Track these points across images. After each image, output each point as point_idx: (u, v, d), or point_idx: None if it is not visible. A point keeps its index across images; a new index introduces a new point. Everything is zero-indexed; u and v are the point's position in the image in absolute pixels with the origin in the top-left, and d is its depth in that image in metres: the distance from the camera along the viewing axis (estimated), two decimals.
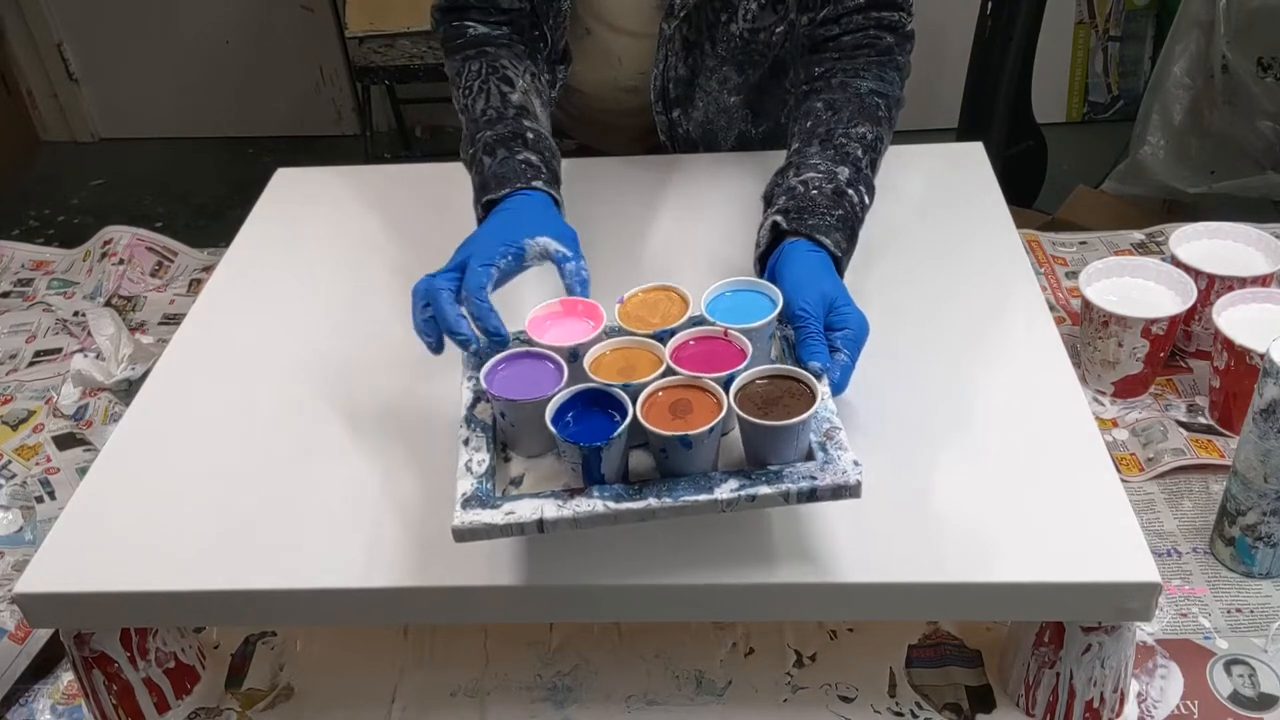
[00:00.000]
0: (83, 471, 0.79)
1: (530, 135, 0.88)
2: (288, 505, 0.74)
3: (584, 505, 0.64)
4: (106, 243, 1.28)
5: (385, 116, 3.11)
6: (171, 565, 0.71)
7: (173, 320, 1.19)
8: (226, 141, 3.17)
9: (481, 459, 0.68)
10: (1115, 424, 0.96)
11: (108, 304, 1.21)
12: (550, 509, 0.64)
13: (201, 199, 2.88)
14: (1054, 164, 2.44)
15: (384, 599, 0.70)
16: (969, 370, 0.81)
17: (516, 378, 0.71)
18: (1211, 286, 0.97)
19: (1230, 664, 0.78)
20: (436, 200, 1.05)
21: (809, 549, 0.69)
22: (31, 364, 1.14)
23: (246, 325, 0.92)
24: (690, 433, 0.64)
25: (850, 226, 0.83)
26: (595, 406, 0.68)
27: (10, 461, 1.01)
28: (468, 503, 0.64)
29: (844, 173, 0.85)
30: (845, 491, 0.64)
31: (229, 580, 0.70)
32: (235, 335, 0.91)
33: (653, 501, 0.64)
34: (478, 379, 0.71)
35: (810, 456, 0.67)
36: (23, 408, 1.08)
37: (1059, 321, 1.03)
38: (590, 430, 0.66)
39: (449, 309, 0.74)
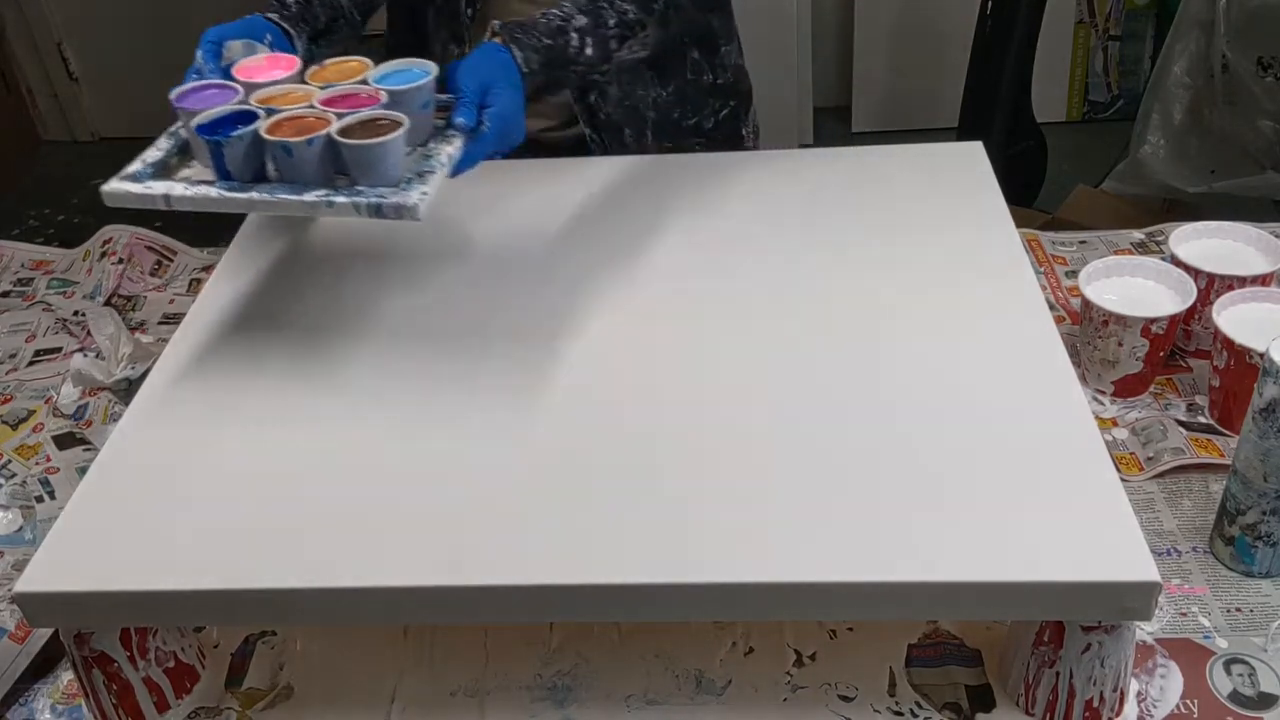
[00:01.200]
0: (83, 471, 0.79)
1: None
2: (288, 505, 0.74)
3: (202, 191, 0.80)
4: (106, 242, 1.28)
5: None
6: (171, 565, 0.71)
7: (173, 320, 1.19)
8: None
9: (155, 154, 0.84)
10: (1115, 423, 0.96)
11: (107, 303, 1.20)
12: (178, 189, 0.80)
13: None
14: (1054, 163, 2.44)
15: (384, 599, 0.70)
16: (969, 369, 0.81)
17: (204, 100, 0.87)
18: (1211, 286, 0.97)
19: (1230, 663, 0.78)
20: (436, 200, 1.05)
21: (809, 549, 0.69)
22: (31, 364, 1.14)
23: (246, 325, 0.92)
24: (291, 140, 0.78)
25: (554, 61, 0.91)
26: (246, 123, 0.82)
27: (10, 461, 1.01)
28: (124, 177, 0.81)
29: (580, 20, 0.94)
30: (405, 212, 0.76)
31: (229, 580, 0.70)
32: (235, 335, 0.91)
33: (254, 195, 0.79)
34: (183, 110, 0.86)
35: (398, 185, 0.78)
36: (22, 407, 1.08)
37: (1059, 321, 1.03)
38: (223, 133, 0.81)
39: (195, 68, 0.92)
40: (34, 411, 1.07)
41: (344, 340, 0.89)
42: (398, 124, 0.80)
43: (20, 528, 0.95)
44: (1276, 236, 1.02)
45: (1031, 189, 2.42)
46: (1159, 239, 1.18)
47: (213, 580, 0.70)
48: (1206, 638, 0.79)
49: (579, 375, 0.83)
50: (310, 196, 0.78)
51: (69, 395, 1.07)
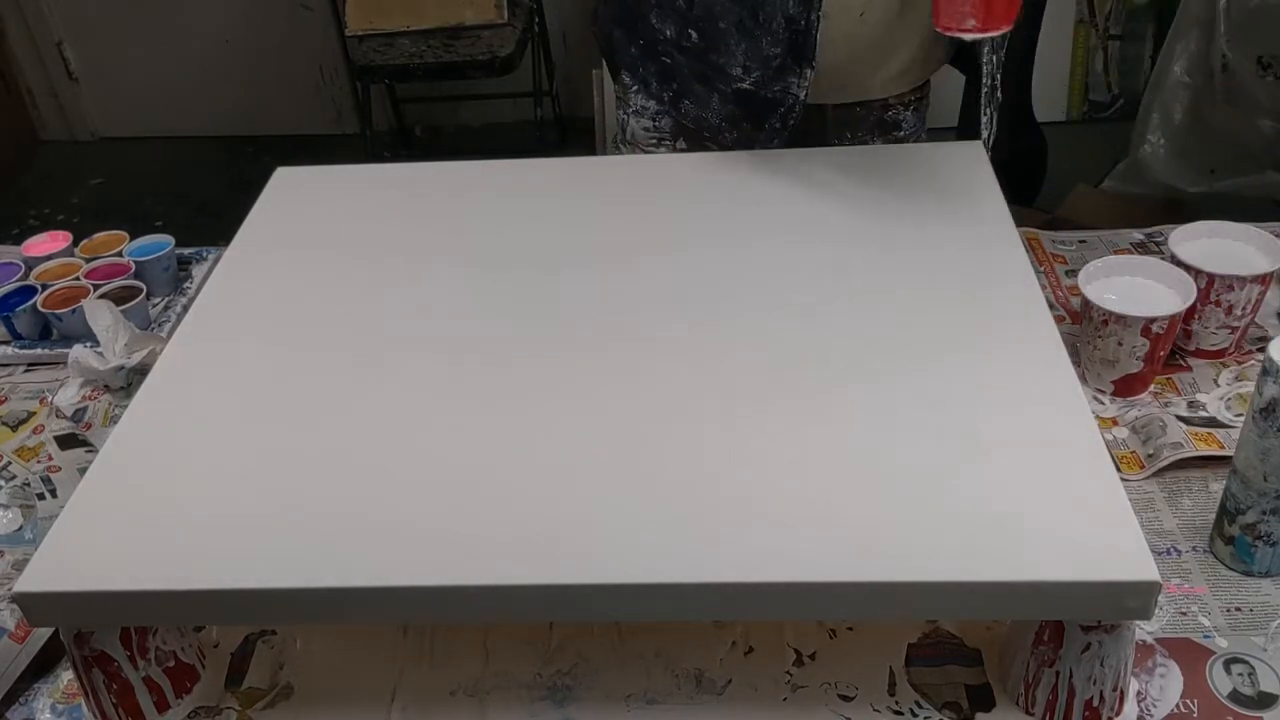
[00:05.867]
0: (83, 471, 0.79)
1: None
2: (288, 504, 0.74)
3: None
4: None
5: (385, 116, 3.11)
6: (171, 565, 0.71)
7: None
8: (226, 141, 3.17)
9: None
10: (1115, 422, 0.96)
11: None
12: None
13: (201, 198, 2.88)
14: (1054, 163, 2.44)
15: (384, 599, 0.70)
16: (968, 369, 0.81)
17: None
18: (1211, 285, 0.97)
19: (1230, 663, 0.78)
20: (436, 200, 1.05)
21: (809, 548, 0.69)
22: (28, 369, 1.14)
23: (246, 325, 0.92)
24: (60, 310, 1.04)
25: None
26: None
27: (10, 463, 1.01)
28: None
29: None
30: None
31: (229, 580, 0.70)
32: (234, 335, 0.91)
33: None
34: None
35: None
36: (22, 408, 1.08)
37: (1059, 320, 1.03)
38: None
39: None
40: (34, 413, 1.07)
41: (344, 340, 0.89)
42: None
43: (20, 527, 0.95)
44: (1277, 236, 1.02)
45: (1031, 189, 2.42)
46: (1159, 239, 1.18)
47: (213, 580, 0.70)
48: (1206, 637, 0.79)
49: (578, 376, 0.83)
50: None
51: (68, 396, 1.07)
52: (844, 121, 1.24)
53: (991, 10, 0.86)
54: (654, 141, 1.26)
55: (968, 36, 0.87)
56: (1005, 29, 0.88)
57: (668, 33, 1.19)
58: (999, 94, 1.13)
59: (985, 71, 1.11)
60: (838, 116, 1.23)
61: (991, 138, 1.14)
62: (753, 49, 1.12)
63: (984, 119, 1.14)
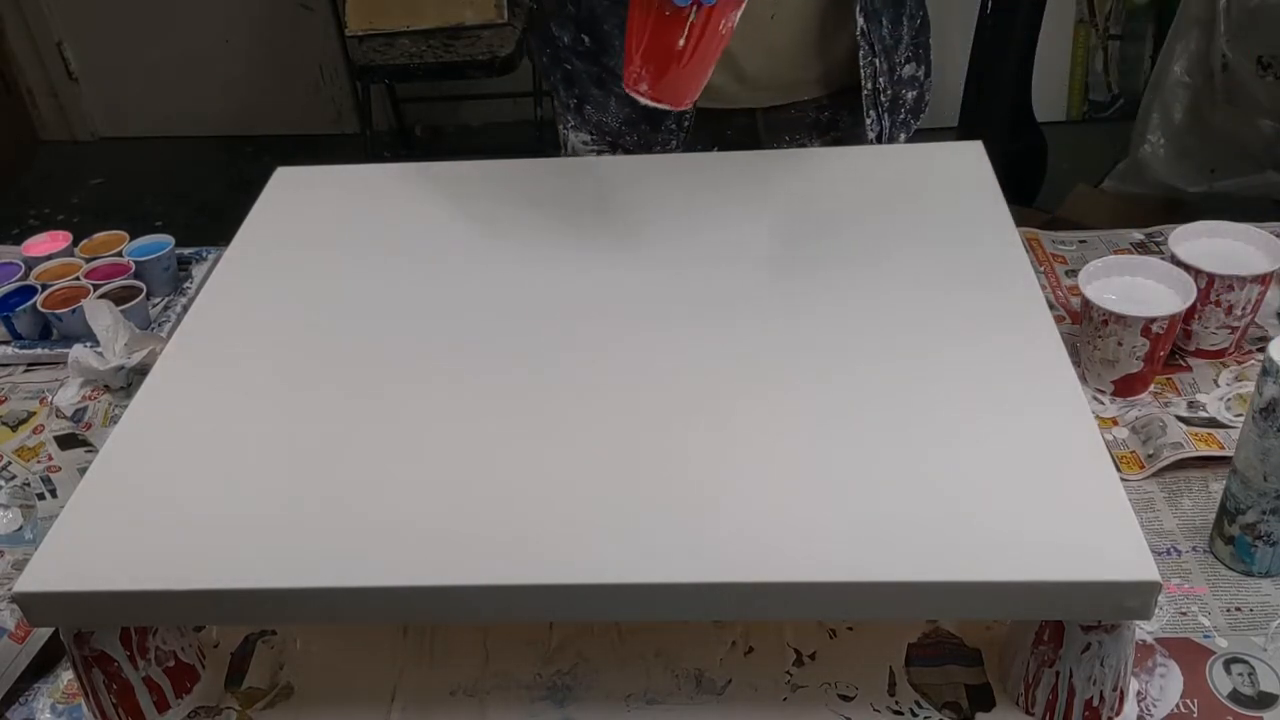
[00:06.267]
0: (84, 471, 0.79)
1: None
2: (288, 504, 0.74)
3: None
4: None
5: (385, 116, 3.11)
6: (171, 565, 0.71)
7: None
8: (226, 140, 3.17)
9: None
10: (1115, 422, 0.96)
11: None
12: None
13: (201, 198, 2.88)
14: (1054, 163, 2.44)
15: (384, 599, 0.70)
16: (968, 369, 0.81)
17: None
18: (1211, 285, 0.97)
19: (1230, 662, 0.78)
20: (437, 199, 1.05)
21: (808, 548, 0.69)
22: (28, 369, 1.14)
23: (246, 325, 0.92)
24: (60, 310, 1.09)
25: None
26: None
27: (10, 463, 1.01)
28: None
29: None
30: None
31: (229, 580, 0.70)
32: (234, 335, 0.91)
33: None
34: None
35: None
36: (22, 408, 1.08)
37: (1059, 320, 1.03)
38: None
39: None
40: (34, 413, 1.07)
41: (344, 341, 0.89)
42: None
43: (20, 527, 0.95)
44: (1277, 236, 1.02)
45: (1031, 189, 2.43)
46: (1159, 239, 1.18)
47: (213, 580, 0.70)
48: (1206, 637, 0.79)
49: (579, 375, 0.83)
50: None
51: (68, 396, 1.07)
52: (777, 125, 1.22)
53: (663, 84, 0.82)
54: (594, 154, 1.26)
55: (643, 100, 0.84)
56: (682, 108, 0.85)
57: (565, 39, 1.19)
58: (883, 96, 1.15)
59: (865, 75, 1.13)
60: (770, 120, 1.22)
61: (882, 136, 1.17)
62: None
63: (868, 121, 1.15)
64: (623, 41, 0.98)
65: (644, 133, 1.18)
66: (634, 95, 0.84)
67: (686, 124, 1.16)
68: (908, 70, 1.18)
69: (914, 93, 1.20)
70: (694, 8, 0.79)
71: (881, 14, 1.11)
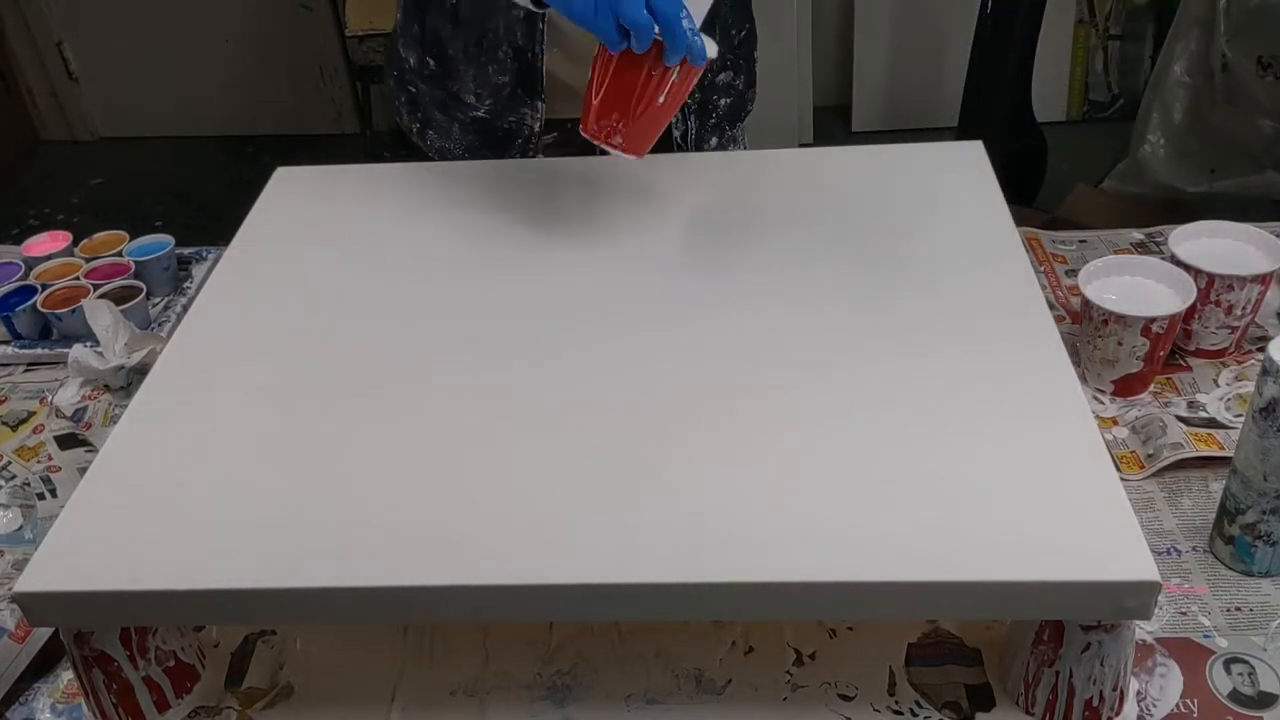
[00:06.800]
0: (83, 471, 0.79)
1: None
2: (288, 504, 0.74)
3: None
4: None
5: (385, 116, 3.11)
6: (171, 565, 0.71)
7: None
8: (226, 140, 3.17)
9: None
10: (1115, 422, 0.96)
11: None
12: None
13: (201, 198, 2.89)
14: (1054, 163, 2.44)
15: (384, 599, 0.70)
16: (968, 369, 0.81)
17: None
18: (1211, 285, 0.97)
19: (1230, 662, 0.78)
20: (436, 200, 1.05)
21: (808, 548, 0.69)
22: (28, 369, 1.14)
23: (245, 324, 0.92)
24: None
25: None
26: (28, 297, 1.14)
27: (10, 463, 1.01)
28: None
29: None
30: None
31: (229, 580, 0.70)
32: (234, 335, 0.91)
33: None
34: None
35: None
36: (22, 408, 1.08)
37: (1059, 320, 1.03)
38: None
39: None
40: (34, 413, 1.07)
41: (344, 341, 0.89)
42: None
43: (20, 527, 0.95)
44: (1277, 236, 1.02)
45: (1031, 188, 2.43)
46: (1159, 239, 1.18)
47: (213, 580, 0.70)
48: (1206, 637, 0.79)
49: (579, 374, 0.83)
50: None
51: (68, 396, 1.07)
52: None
53: (634, 137, 0.88)
54: None
55: (613, 152, 0.89)
56: (639, 156, 0.90)
57: (411, 61, 1.20)
58: (689, 100, 1.14)
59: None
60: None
61: (687, 137, 1.18)
62: (481, 76, 1.13)
63: (672, 120, 1.12)
64: (468, 67, 1.05)
65: (486, 159, 1.19)
66: (601, 145, 0.89)
67: (532, 151, 1.18)
68: (722, 78, 1.20)
69: (728, 99, 1.22)
70: (676, 69, 0.85)
71: None
